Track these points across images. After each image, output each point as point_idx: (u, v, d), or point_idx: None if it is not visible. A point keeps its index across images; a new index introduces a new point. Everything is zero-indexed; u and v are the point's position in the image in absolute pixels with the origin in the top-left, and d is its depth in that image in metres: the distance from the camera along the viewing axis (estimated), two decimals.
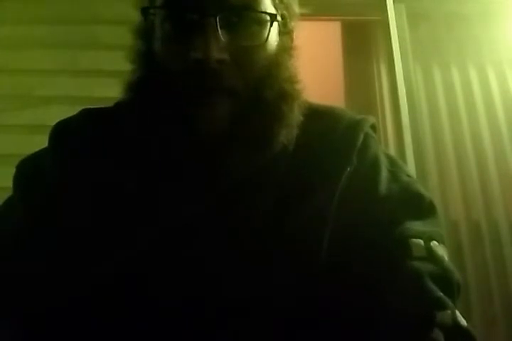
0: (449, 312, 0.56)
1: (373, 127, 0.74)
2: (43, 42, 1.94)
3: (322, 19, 2.20)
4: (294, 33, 0.71)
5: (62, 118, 0.75)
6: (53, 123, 0.75)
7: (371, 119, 0.74)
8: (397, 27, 2.00)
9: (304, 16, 0.72)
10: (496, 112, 2.03)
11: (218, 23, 0.59)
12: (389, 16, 2.00)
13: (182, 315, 0.60)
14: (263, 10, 0.63)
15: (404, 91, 1.92)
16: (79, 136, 0.70)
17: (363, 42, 2.21)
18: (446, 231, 1.69)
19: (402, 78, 1.93)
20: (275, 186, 0.65)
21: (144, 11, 0.64)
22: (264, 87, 0.64)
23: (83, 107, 0.75)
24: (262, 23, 0.63)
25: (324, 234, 0.62)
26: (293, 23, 0.70)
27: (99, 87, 1.78)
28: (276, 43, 0.66)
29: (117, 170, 0.65)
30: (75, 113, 0.74)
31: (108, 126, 0.69)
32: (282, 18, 0.67)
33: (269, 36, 0.64)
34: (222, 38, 0.60)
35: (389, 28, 1.99)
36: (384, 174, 0.69)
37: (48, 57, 1.91)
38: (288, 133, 0.65)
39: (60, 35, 1.94)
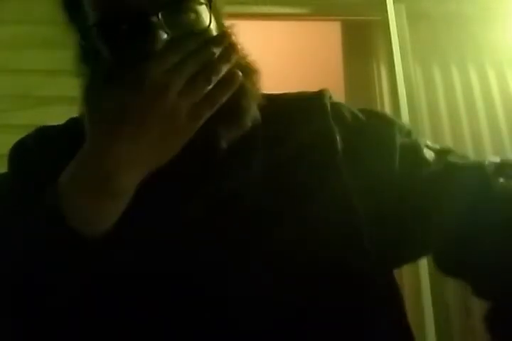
0: None
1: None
2: (43, 42, 1.93)
3: (322, 19, 2.20)
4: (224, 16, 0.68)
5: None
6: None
7: (327, 92, 0.76)
8: (397, 27, 2.00)
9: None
10: (496, 112, 2.03)
11: (157, 24, 0.58)
12: (389, 16, 2.00)
13: (183, 314, 0.60)
14: None
15: (404, 91, 1.92)
16: (39, 149, 0.70)
17: (363, 42, 2.21)
18: None
19: (402, 78, 1.93)
20: (276, 187, 0.65)
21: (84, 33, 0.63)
22: None
23: None
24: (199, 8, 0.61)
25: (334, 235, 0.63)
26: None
27: None
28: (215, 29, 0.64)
29: None
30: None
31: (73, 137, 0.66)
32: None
33: (211, 18, 0.62)
34: (165, 35, 0.58)
35: (389, 28, 1.99)
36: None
37: (48, 57, 1.91)
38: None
39: (60, 35, 1.94)
